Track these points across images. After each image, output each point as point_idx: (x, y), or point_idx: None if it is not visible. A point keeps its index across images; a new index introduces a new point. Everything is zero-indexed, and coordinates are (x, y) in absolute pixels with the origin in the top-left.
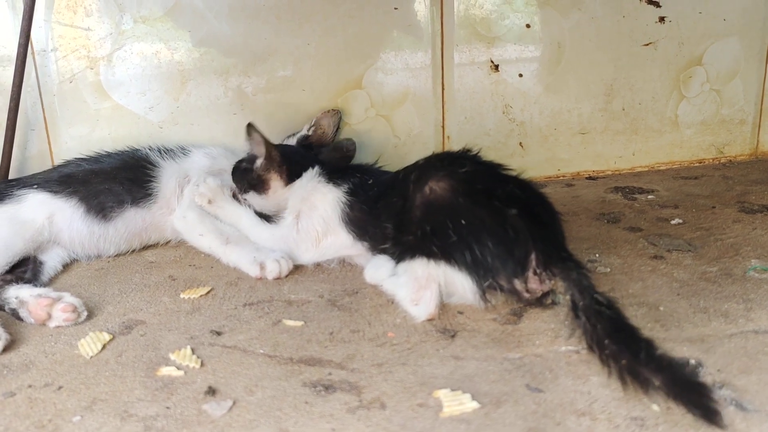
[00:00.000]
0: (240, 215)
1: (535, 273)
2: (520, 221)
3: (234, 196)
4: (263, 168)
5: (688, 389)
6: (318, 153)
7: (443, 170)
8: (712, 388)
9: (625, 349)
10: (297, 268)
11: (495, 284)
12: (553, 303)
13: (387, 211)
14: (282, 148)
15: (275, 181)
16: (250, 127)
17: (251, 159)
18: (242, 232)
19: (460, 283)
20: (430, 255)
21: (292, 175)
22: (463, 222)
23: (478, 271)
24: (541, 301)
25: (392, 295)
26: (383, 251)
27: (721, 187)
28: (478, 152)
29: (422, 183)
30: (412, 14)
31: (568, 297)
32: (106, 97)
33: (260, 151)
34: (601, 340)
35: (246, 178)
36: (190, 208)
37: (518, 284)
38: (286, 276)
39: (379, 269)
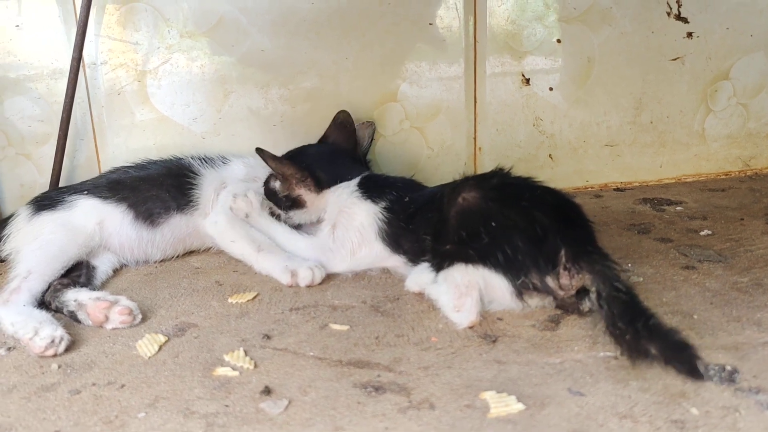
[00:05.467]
0: (275, 230)
1: (565, 268)
2: (548, 220)
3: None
4: (284, 188)
5: (678, 350)
6: (324, 138)
7: (474, 181)
8: (697, 348)
9: (630, 324)
10: (338, 275)
11: (528, 283)
12: (591, 310)
13: (425, 225)
14: (303, 157)
15: (306, 195)
16: (259, 152)
17: (273, 180)
18: (278, 244)
19: (497, 285)
20: (467, 259)
21: (321, 182)
22: (493, 224)
23: (512, 270)
24: (578, 308)
25: (435, 301)
26: (423, 262)
27: (748, 199)
28: (510, 169)
29: (456, 195)
30: (446, 30)
31: (594, 288)
32: (151, 108)
33: (275, 172)
34: (615, 322)
35: (279, 200)
36: (221, 214)
37: (551, 281)
38: (319, 284)
39: (421, 275)
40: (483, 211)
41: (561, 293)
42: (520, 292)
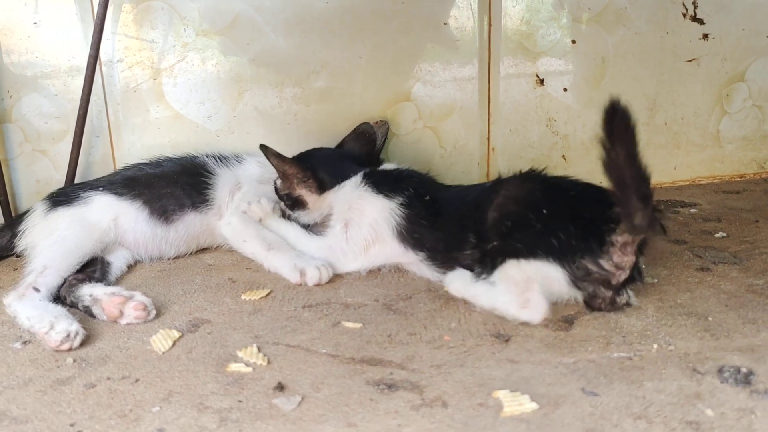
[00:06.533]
0: (287, 231)
1: (613, 244)
2: (595, 207)
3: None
4: (285, 187)
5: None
6: (341, 144)
7: (516, 181)
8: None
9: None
10: (350, 273)
11: (584, 269)
12: (628, 304)
13: (464, 224)
14: (308, 158)
15: (307, 196)
16: (263, 148)
17: (277, 178)
18: (290, 245)
19: (553, 276)
20: (517, 254)
21: (323, 184)
22: (544, 211)
23: (566, 256)
24: (614, 302)
25: (493, 309)
26: (466, 265)
27: (763, 202)
28: (545, 169)
29: (497, 190)
30: (460, 29)
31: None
32: (167, 106)
33: (277, 170)
34: None
35: (283, 199)
36: (235, 215)
37: (605, 264)
38: (331, 282)
39: (466, 283)
40: (530, 199)
41: (617, 272)
42: (575, 279)
